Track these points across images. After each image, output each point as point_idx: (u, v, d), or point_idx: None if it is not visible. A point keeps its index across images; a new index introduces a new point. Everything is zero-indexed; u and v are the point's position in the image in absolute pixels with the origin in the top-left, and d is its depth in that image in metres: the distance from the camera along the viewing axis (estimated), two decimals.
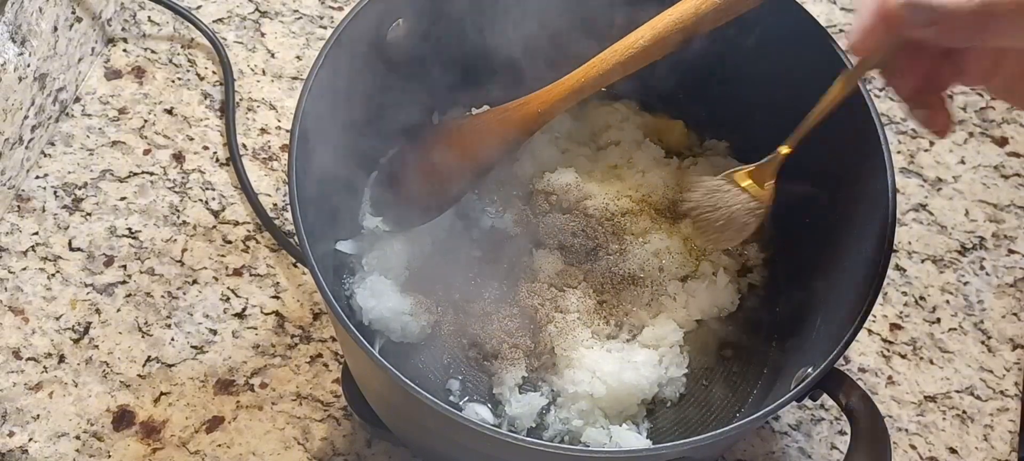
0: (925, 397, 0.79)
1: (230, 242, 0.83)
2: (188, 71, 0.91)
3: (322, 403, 0.76)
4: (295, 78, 0.92)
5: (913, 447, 0.77)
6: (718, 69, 0.78)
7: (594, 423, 0.72)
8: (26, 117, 0.81)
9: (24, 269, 0.80)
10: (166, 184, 0.85)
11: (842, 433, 0.77)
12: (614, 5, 0.75)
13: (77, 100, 0.89)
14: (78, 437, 0.74)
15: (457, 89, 0.82)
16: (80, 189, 0.84)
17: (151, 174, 0.86)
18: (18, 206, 0.83)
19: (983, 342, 0.82)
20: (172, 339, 0.78)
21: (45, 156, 0.85)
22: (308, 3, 0.96)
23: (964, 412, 0.79)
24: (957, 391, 0.79)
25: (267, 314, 0.80)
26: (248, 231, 0.83)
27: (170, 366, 0.77)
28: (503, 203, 0.80)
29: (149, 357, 0.77)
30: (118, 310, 0.79)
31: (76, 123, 0.87)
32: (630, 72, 0.69)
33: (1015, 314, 0.83)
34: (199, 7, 0.95)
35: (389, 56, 0.73)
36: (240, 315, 0.79)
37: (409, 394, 0.57)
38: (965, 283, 0.84)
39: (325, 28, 0.95)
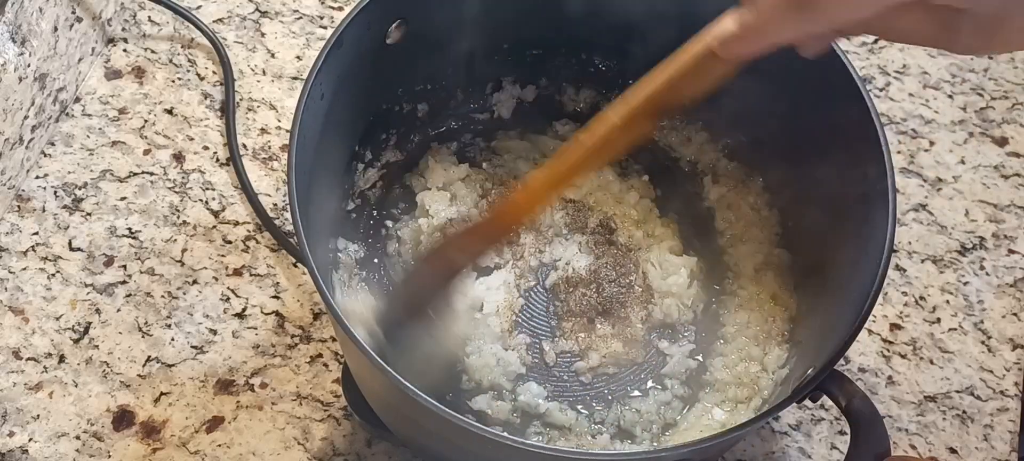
0: (925, 397, 0.79)
1: (230, 242, 0.83)
2: (188, 71, 0.91)
3: (322, 403, 0.76)
4: (295, 78, 0.92)
5: (913, 447, 0.77)
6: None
7: None
8: (26, 117, 0.81)
9: (24, 269, 0.80)
10: (166, 184, 0.85)
11: (842, 433, 0.77)
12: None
13: (77, 100, 0.89)
14: (78, 437, 0.74)
15: (458, 88, 0.83)
16: (80, 189, 0.84)
17: (151, 174, 0.86)
18: (18, 206, 0.83)
19: (983, 342, 0.82)
20: (172, 339, 0.78)
21: (45, 156, 0.85)
22: (308, 3, 0.96)
23: (964, 412, 0.79)
24: (957, 391, 0.79)
25: (267, 314, 0.80)
26: (248, 231, 0.83)
27: (170, 366, 0.77)
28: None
29: (149, 357, 0.77)
30: (118, 310, 0.79)
31: (76, 123, 0.87)
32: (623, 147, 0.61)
33: (1015, 314, 0.83)
34: (199, 7, 0.95)
35: (389, 56, 0.73)
36: (240, 315, 0.79)
37: (408, 395, 0.57)
38: (965, 283, 0.84)
39: (325, 28, 0.95)
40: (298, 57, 0.93)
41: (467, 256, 0.69)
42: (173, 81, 0.91)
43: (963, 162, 0.91)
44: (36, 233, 0.82)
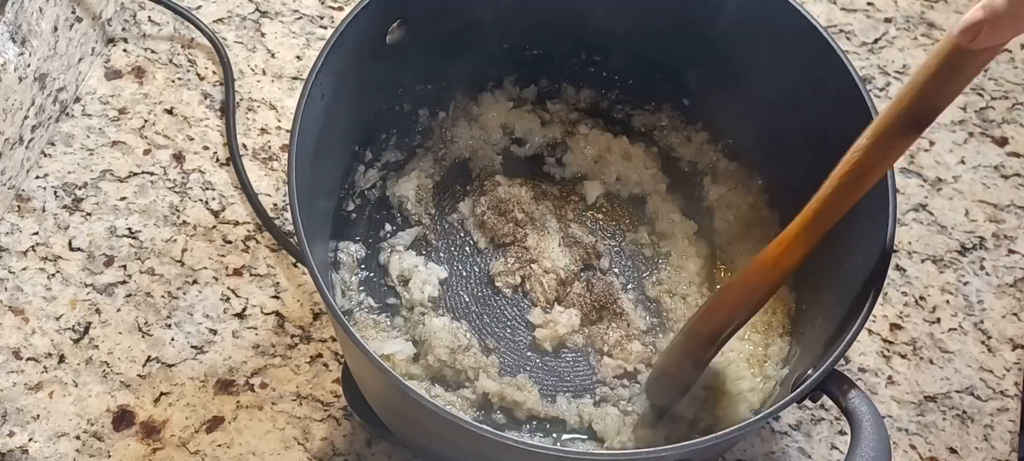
0: (925, 397, 0.79)
1: (230, 242, 0.83)
2: (188, 71, 0.91)
3: (322, 403, 0.76)
4: (295, 78, 0.92)
5: (913, 447, 0.77)
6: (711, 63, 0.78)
7: None
8: (26, 117, 0.81)
9: (24, 269, 0.80)
10: (166, 184, 0.85)
11: (842, 433, 0.77)
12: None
13: (77, 100, 0.89)
14: (78, 437, 0.74)
15: (457, 88, 0.83)
16: (80, 189, 0.84)
17: (151, 174, 0.86)
18: (18, 206, 0.83)
19: (983, 342, 0.82)
20: (172, 339, 0.78)
21: (45, 156, 0.85)
22: (308, 3, 0.96)
23: (964, 412, 0.79)
24: (957, 391, 0.79)
25: (267, 314, 0.80)
26: (248, 231, 0.83)
27: (170, 366, 0.77)
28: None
29: (149, 357, 0.77)
30: (118, 310, 0.79)
31: (76, 123, 0.87)
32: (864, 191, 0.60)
33: (1015, 314, 0.83)
34: (199, 7, 0.95)
35: (389, 56, 0.73)
36: (240, 315, 0.79)
37: (408, 395, 0.57)
38: (965, 283, 0.84)
39: (325, 28, 0.95)
40: (298, 57, 0.93)
41: (728, 325, 0.66)
42: (173, 81, 0.91)
43: (963, 162, 0.91)
44: (36, 233, 0.82)
